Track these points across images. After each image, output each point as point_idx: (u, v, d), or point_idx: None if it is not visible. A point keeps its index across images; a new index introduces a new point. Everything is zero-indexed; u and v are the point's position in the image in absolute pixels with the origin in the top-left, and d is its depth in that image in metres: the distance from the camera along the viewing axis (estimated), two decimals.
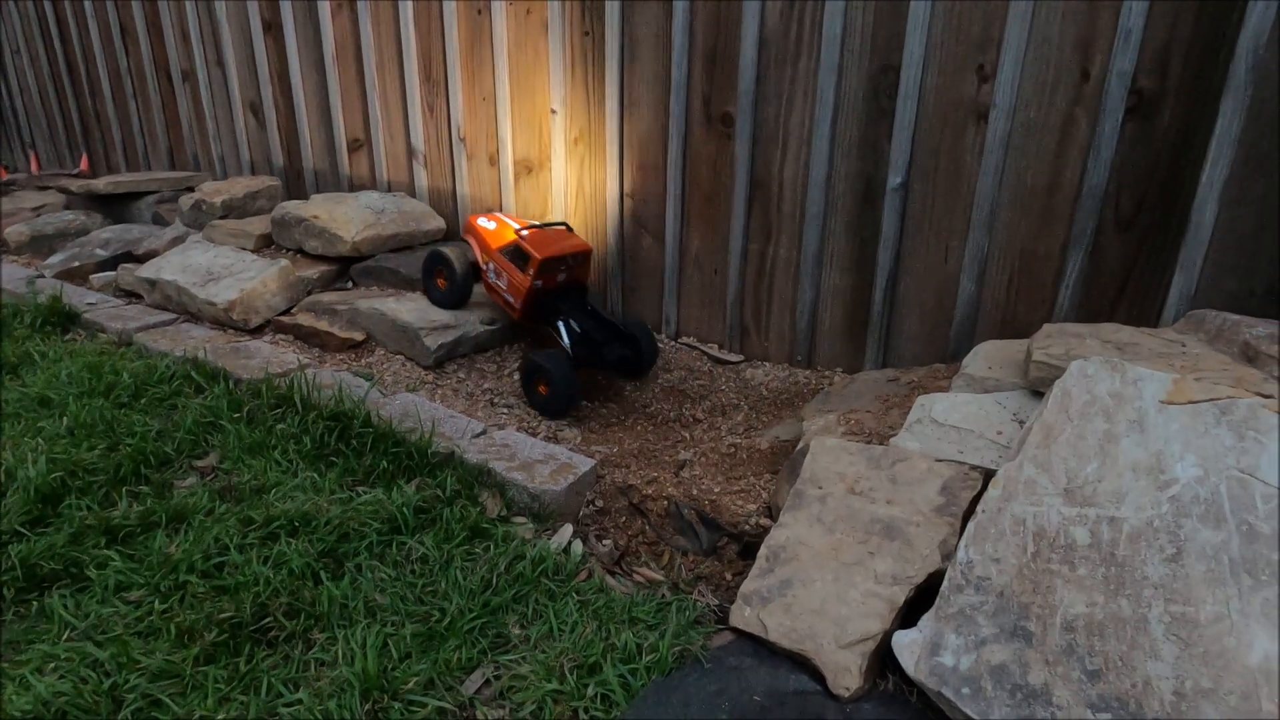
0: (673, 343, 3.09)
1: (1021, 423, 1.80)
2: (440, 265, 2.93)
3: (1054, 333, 1.95)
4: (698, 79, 2.76)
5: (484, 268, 2.87)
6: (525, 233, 2.75)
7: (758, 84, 2.64)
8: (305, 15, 3.78)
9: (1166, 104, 2.09)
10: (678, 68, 2.76)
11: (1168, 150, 2.11)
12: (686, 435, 2.54)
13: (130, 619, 1.47)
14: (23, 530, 1.68)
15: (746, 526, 1.91)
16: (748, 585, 1.61)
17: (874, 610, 1.51)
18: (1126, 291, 2.26)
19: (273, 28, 3.94)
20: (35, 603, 1.52)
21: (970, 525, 1.53)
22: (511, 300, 2.78)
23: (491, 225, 2.90)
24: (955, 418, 1.84)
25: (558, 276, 2.75)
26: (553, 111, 3.12)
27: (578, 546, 1.80)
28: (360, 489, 1.90)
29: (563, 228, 2.88)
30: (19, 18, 5.34)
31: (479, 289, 3.00)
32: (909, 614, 1.52)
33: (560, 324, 2.70)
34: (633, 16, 2.82)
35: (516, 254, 2.75)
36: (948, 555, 1.56)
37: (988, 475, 1.67)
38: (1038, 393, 1.84)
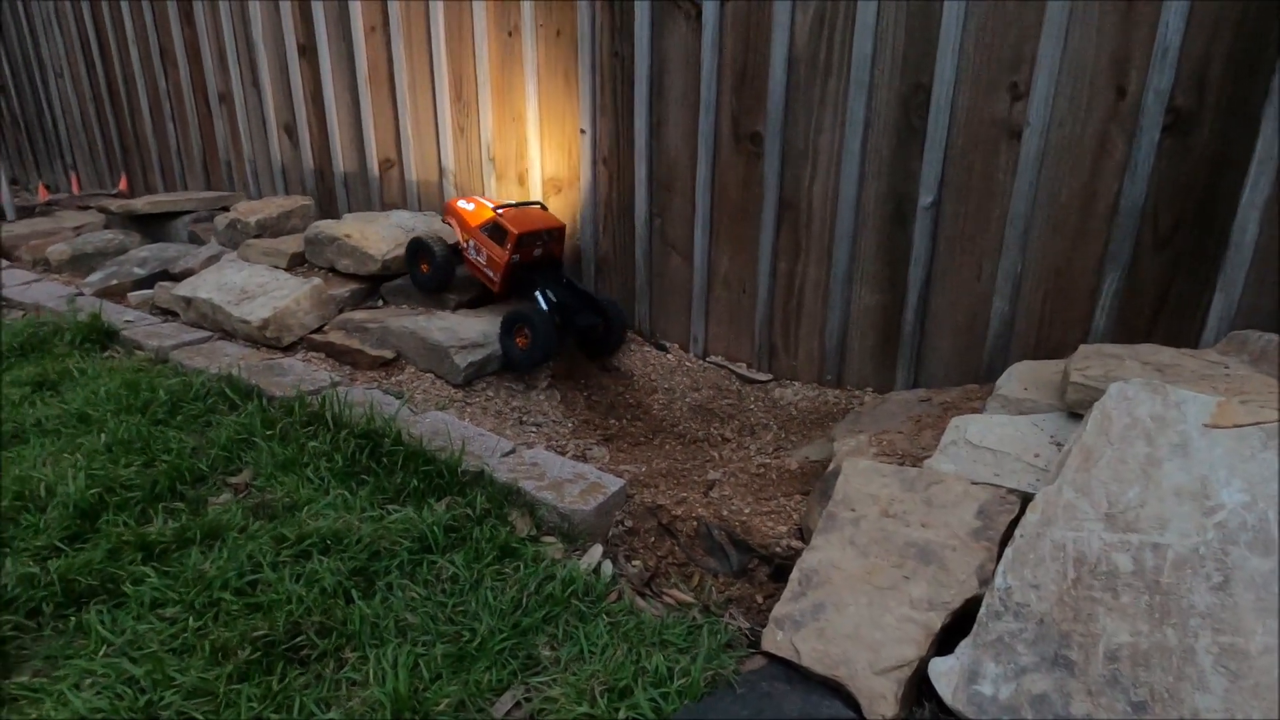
0: (700, 361, 3.08)
1: (1059, 445, 1.76)
2: (421, 251, 3.10)
3: (1091, 354, 1.92)
4: (726, 98, 2.76)
5: (464, 246, 3.08)
6: (502, 210, 2.95)
7: (787, 103, 2.64)
8: (339, 38, 3.85)
9: (1205, 122, 2.06)
10: (707, 88, 2.77)
11: (1206, 168, 2.08)
12: (715, 455, 2.53)
13: (165, 635, 1.48)
14: (61, 546, 1.70)
15: (778, 548, 1.89)
16: (780, 609, 1.59)
17: (909, 636, 1.48)
18: (1165, 311, 2.22)
19: (307, 50, 4.01)
20: (73, 618, 1.54)
21: (1008, 550, 1.50)
22: (491, 275, 2.99)
23: (470, 206, 3.09)
24: (991, 440, 1.81)
25: (534, 251, 2.97)
26: (582, 131, 3.15)
27: (607, 567, 1.79)
28: (391, 507, 1.91)
29: (538, 207, 3.11)
30: (62, 42, 5.49)
31: (463, 271, 3.17)
32: (945, 640, 1.49)
33: (537, 294, 2.89)
34: (662, 38, 2.84)
35: (495, 230, 2.94)
36: (985, 581, 1.53)
37: (1025, 499, 1.64)
38: (1075, 415, 1.80)
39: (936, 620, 1.50)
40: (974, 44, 2.29)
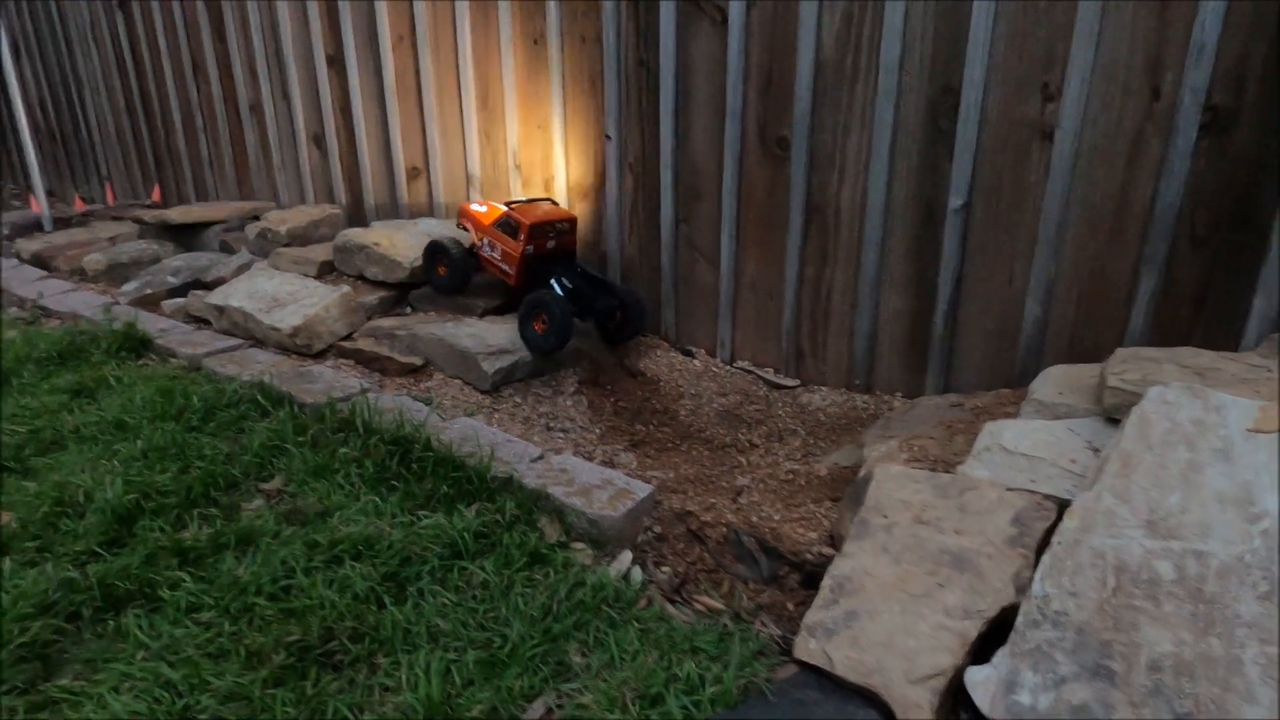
0: (727, 367, 3.07)
1: (1096, 450, 1.73)
2: (438, 254, 3.17)
3: (1129, 357, 1.89)
4: (752, 104, 2.76)
5: (479, 245, 3.14)
6: (513, 207, 3.04)
7: (813, 108, 2.63)
8: (367, 49, 3.89)
9: (1243, 120, 2.02)
10: (733, 93, 2.77)
11: (1245, 168, 2.04)
12: (743, 460, 2.52)
13: (201, 640, 1.49)
14: (100, 551, 1.73)
15: (809, 555, 1.87)
16: (812, 616, 1.58)
17: (945, 644, 1.46)
18: (1203, 314, 2.18)
19: (335, 61, 4.06)
20: (111, 622, 1.56)
21: (1045, 557, 1.48)
22: (506, 269, 3.06)
23: (483, 209, 3.17)
24: (1026, 445, 1.78)
25: (547, 243, 3.03)
26: (607, 138, 3.15)
27: (637, 573, 1.79)
28: (421, 513, 1.92)
29: (548, 202, 3.19)
30: (98, 57, 5.61)
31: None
32: (981, 649, 1.47)
33: (553, 282, 2.97)
34: (687, 45, 2.84)
35: (507, 225, 3.02)
36: (1021, 588, 1.51)
37: (1062, 505, 1.61)
38: (1113, 420, 1.77)
39: (972, 629, 1.47)
40: (1004, 45, 2.27)
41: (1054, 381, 2.03)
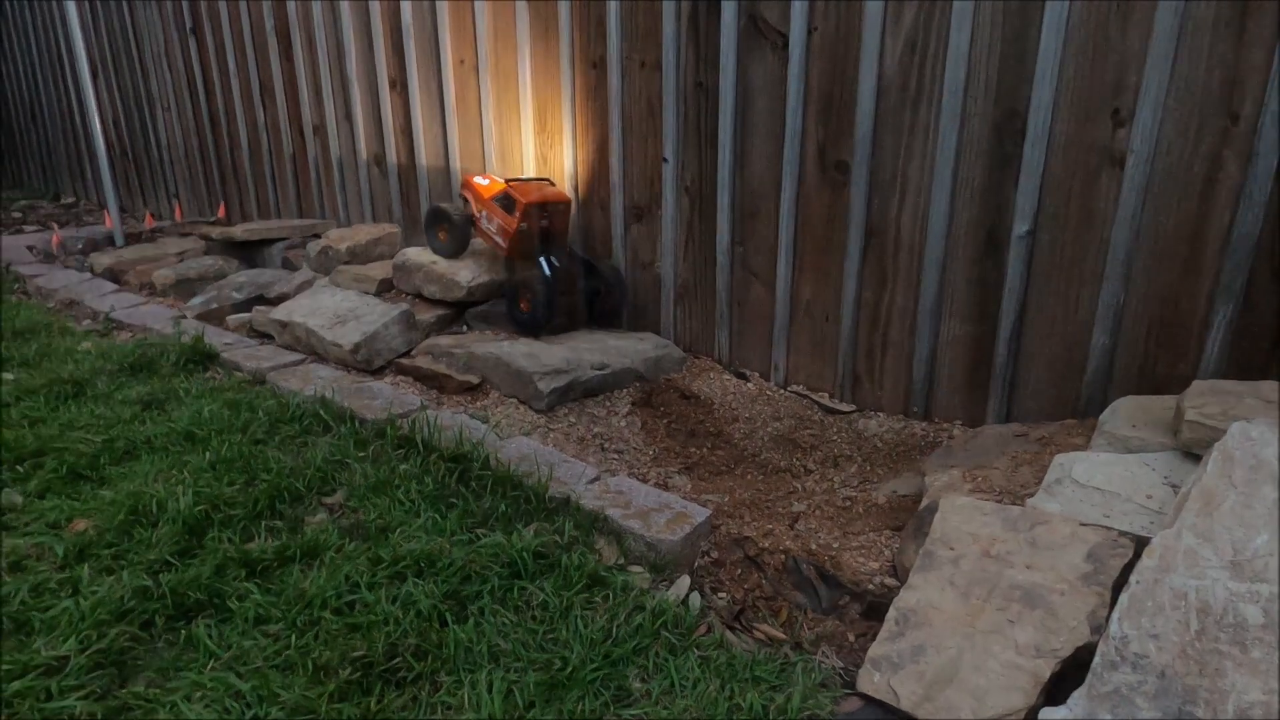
0: (782, 390, 3.05)
1: (1174, 487, 1.68)
2: (440, 218, 3.42)
3: (1207, 390, 1.83)
4: (812, 127, 2.75)
5: (478, 216, 3.38)
6: (513, 184, 3.27)
7: (874, 132, 2.61)
8: (429, 72, 3.98)
9: None
10: (792, 116, 2.77)
11: None
12: (798, 486, 2.49)
13: (269, 652, 1.52)
14: (172, 560, 1.77)
15: (870, 585, 1.84)
16: (876, 649, 1.55)
17: (1016, 683, 1.42)
18: None
19: (398, 84, 4.16)
20: (183, 631, 1.59)
21: (1123, 597, 1.43)
22: (500, 241, 3.29)
23: (485, 181, 3.40)
24: (1099, 479, 1.74)
25: (541, 222, 3.21)
26: (664, 160, 3.17)
27: (695, 599, 1.78)
28: (480, 531, 1.93)
29: (546, 181, 3.42)
30: (170, 77, 5.83)
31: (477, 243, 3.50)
32: (1055, 689, 1.42)
33: (541, 260, 3.16)
34: (747, 67, 2.85)
35: (505, 200, 3.25)
36: (1097, 628, 1.46)
37: (1139, 542, 1.56)
38: (1191, 455, 1.72)
39: (1045, 668, 1.43)
40: (1073, 69, 2.23)
41: (1125, 413, 1.98)
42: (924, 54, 2.46)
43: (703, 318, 3.25)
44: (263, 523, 1.97)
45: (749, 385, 3.10)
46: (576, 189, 3.53)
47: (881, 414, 2.84)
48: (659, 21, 3.04)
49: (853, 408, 2.89)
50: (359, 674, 1.46)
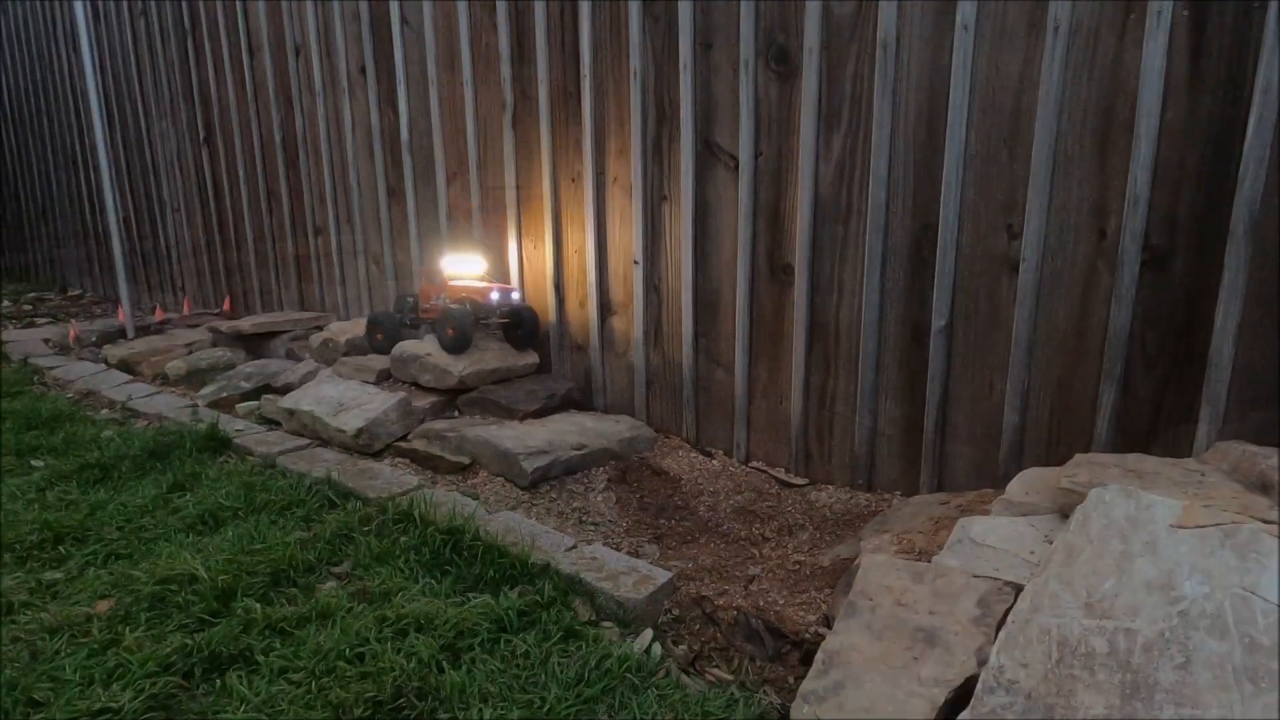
0: (743, 466, 3.38)
1: (1052, 543, 2.01)
2: (447, 320, 3.81)
3: (1083, 462, 2.18)
4: (762, 235, 3.17)
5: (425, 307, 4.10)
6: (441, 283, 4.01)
7: (814, 240, 3.02)
8: (425, 182, 4.43)
9: (1178, 258, 2.36)
10: (744, 226, 3.18)
11: (1183, 296, 2.37)
12: (756, 552, 2.79)
13: (293, 695, 1.80)
14: (208, 618, 2.05)
15: (807, 634, 2.14)
16: (805, 685, 1.84)
17: (917, 709, 1.72)
18: (1160, 422, 2.47)
19: (396, 193, 4.60)
20: (218, 680, 1.87)
21: (1001, 634, 1.74)
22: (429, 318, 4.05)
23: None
24: (992, 539, 2.06)
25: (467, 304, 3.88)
26: (635, 262, 3.58)
27: (657, 649, 2.07)
28: (470, 594, 2.23)
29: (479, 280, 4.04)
30: (181, 183, 6.28)
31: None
32: (950, 714, 1.72)
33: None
34: (704, 183, 3.29)
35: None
36: (983, 661, 1.76)
37: (1018, 590, 1.88)
38: (1065, 516, 2.05)
39: (940, 695, 1.73)
40: (973, 192, 2.66)
41: (1024, 482, 2.31)
42: (851, 177, 2.90)
43: (671, 401, 3.60)
44: (281, 590, 2.26)
45: (714, 462, 3.42)
46: (559, 287, 3.93)
47: (831, 486, 3.17)
48: (628, 142, 3.49)
49: (806, 481, 3.22)
50: (370, 711, 1.74)
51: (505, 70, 3.89)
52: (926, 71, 2.69)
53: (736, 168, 3.17)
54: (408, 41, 4.36)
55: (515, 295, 3.96)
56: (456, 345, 3.73)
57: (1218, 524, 1.75)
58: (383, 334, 4.10)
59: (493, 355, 3.79)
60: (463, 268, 4.03)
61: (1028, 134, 2.52)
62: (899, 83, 2.75)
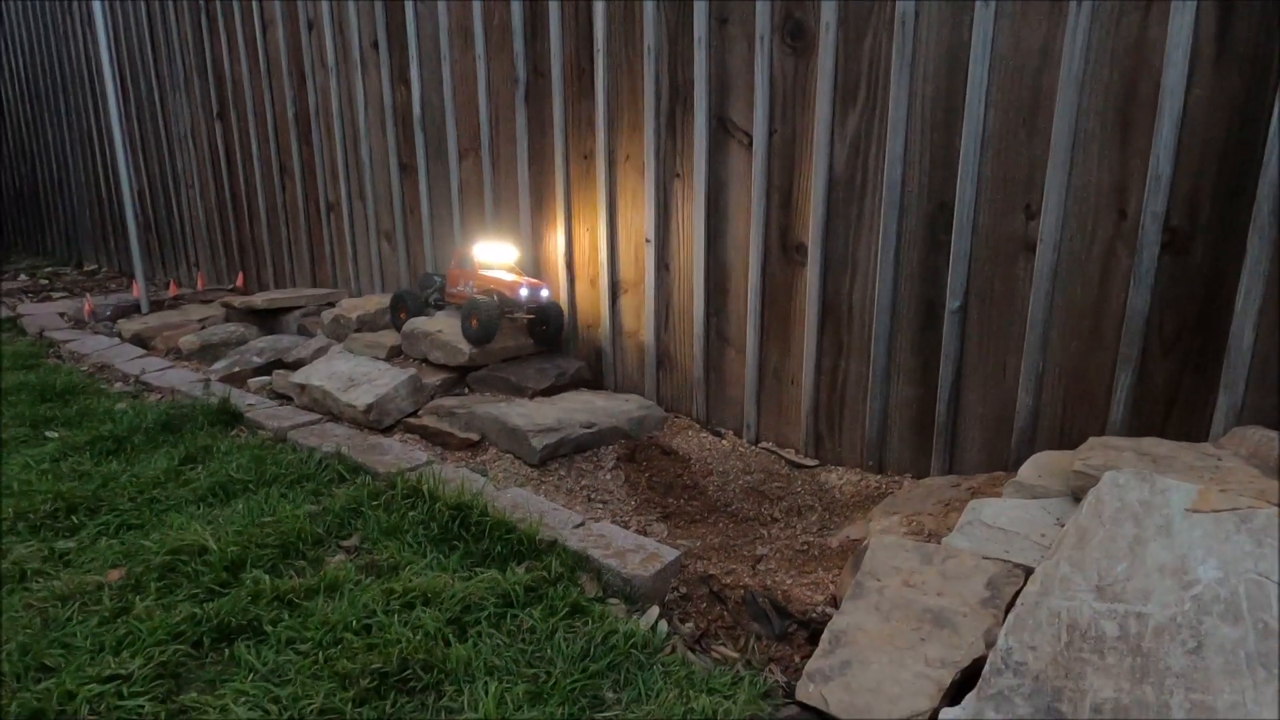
0: (753, 447, 3.37)
1: (1063, 526, 1.99)
2: (474, 311, 3.70)
3: (1097, 445, 2.15)
4: (775, 214, 3.13)
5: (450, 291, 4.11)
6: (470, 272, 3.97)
7: (827, 219, 2.99)
8: (436, 159, 4.41)
9: (1198, 241, 2.32)
10: (757, 204, 3.15)
11: (1203, 281, 2.33)
12: (764, 533, 2.79)
13: (300, 665, 1.81)
14: (216, 589, 2.07)
15: (814, 614, 2.13)
16: (812, 664, 1.84)
17: (923, 690, 1.71)
18: (1175, 407, 2.43)
19: (409, 169, 4.58)
20: (227, 650, 1.88)
21: (1010, 616, 1.73)
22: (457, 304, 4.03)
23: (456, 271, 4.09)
24: (1003, 521, 2.05)
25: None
26: (647, 241, 3.55)
27: (663, 626, 2.07)
28: (478, 569, 2.23)
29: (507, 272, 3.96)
30: (194, 157, 6.29)
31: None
32: (955, 695, 1.71)
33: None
34: (717, 161, 3.25)
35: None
36: (991, 643, 1.75)
37: (1029, 572, 1.87)
38: (1078, 499, 2.03)
39: (947, 677, 1.72)
40: (990, 171, 2.61)
41: (1036, 466, 2.29)
42: (866, 154, 2.86)
43: (682, 380, 3.59)
44: (289, 562, 2.27)
45: (723, 442, 3.41)
46: (570, 266, 3.91)
47: (842, 468, 3.15)
48: (641, 119, 3.46)
49: (816, 463, 3.21)
50: (376, 683, 1.75)
51: (518, 45, 3.86)
52: (945, 48, 2.64)
53: (750, 145, 3.13)
54: (420, 15, 4.32)
55: (544, 293, 3.81)
56: (481, 338, 3.62)
57: (1234, 508, 1.72)
58: (406, 312, 4.06)
59: (502, 334, 3.78)
60: (494, 256, 3.94)
61: (1048, 112, 2.47)
62: (916, 59, 2.70)
